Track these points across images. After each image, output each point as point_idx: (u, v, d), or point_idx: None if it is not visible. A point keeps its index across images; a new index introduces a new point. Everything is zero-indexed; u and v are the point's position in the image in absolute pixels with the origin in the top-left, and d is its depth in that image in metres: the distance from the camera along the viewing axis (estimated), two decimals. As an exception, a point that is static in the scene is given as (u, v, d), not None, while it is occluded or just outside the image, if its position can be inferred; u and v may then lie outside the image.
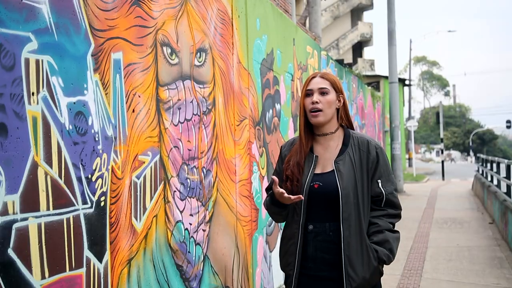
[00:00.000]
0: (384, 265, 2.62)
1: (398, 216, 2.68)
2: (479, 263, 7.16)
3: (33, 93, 2.06)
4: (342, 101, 2.67)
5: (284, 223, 2.73)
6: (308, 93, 2.62)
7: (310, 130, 2.67)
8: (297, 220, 2.59)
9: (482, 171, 16.03)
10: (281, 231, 5.27)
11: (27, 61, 2.03)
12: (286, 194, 2.48)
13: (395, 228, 2.67)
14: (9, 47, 1.95)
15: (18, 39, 1.99)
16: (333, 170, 2.57)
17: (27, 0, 2.04)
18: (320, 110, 2.57)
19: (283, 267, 2.69)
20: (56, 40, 2.19)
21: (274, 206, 2.63)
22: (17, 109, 1.98)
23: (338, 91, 2.65)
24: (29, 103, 2.04)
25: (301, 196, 2.48)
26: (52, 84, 2.16)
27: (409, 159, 32.85)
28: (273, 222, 5.04)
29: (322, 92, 2.60)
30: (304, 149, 2.63)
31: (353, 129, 2.73)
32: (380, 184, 2.60)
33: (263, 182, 4.80)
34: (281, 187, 2.60)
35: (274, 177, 2.58)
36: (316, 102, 2.57)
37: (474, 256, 7.59)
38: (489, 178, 13.72)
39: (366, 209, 2.58)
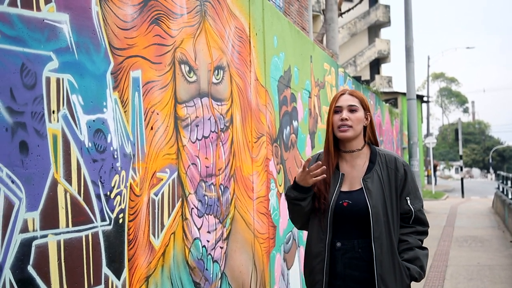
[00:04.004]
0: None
1: (426, 233, 2.68)
2: (501, 283, 7.04)
3: (53, 111, 2.08)
4: (369, 119, 2.67)
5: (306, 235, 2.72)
6: (337, 110, 2.62)
7: (336, 147, 2.67)
8: (323, 238, 2.57)
9: (503, 188, 15.83)
10: (298, 249, 5.24)
11: (48, 79, 2.06)
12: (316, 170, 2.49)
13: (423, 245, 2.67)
14: (31, 66, 1.98)
15: (40, 58, 2.03)
16: (362, 188, 2.57)
17: (49, 20, 2.07)
18: (349, 127, 2.58)
19: (310, 285, 2.66)
20: (77, 59, 2.22)
21: (296, 190, 2.60)
22: (38, 127, 2.00)
23: (366, 109, 2.65)
24: (50, 121, 2.06)
25: (324, 175, 2.50)
26: (72, 102, 2.19)
27: (428, 176, 32.56)
28: (291, 239, 5.02)
29: (351, 109, 2.60)
30: (332, 166, 2.62)
31: (378, 146, 2.73)
32: (408, 201, 2.60)
33: (281, 199, 4.78)
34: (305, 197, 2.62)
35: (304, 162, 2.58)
36: (346, 119, 2.58)
37: (496, 275, 7.46)
38: (510, 196, 13.53)
39: (396, 226, 2.58)
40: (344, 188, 2.60)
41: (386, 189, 2.56)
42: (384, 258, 2.49)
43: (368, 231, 2.52)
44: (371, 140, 2.70)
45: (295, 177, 2.63)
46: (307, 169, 2.51)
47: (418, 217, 2.62)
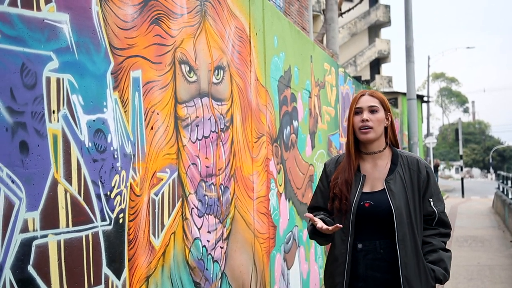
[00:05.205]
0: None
1: (449, 235, 2.68)
2: (501, 283, 7.04)
3: (53, 111, 2.09)
4: (390, 119, 2.66)
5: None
6: (357, 111, 2.61)
7: (358, 149, 2.65)
8: (345, 239, 2.56)
9: (503, 188, 15.84)
10: (299, 249, 5.24)
11: (48, 79, 2.06)
12: (324, 227, 2.48)
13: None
14: (31, 66, 1.98)
15: (40, 58, 2.03)
16: (384, 189, 2.55)
17: (49, 20, 2.07)
18: (370, 128, 2.57)
19: None
20: (77, 58, 2.22)
21: (317, 235, 2.62)
22: (38, 127, 2.00)
23: (387, 109, 2.64)
24: (50, 121, 2.06)
25: (338, 225, 2.47)
26: (73, 102, 2.19)
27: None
28: (291, 239, 5.02)
29: (372, 110, 2.59)
30: (353, 167, 2.61)
31: (398, 147, 2.72)
32: (432, 203, 2.59)
33: (281, 199, 4.78)
34: (327, 206, 2.66)
35: (309, 215, 2.59)
36: (367, 120, 2.56)
37: (496, 275, 7.46)
38: (510, 196, 13.53)
39: (420, 228, 2.57)
40: (366, 189, 2.59)
41: (409, 191, 2.55)
42: (408, 260, 2.48)
43: (389, 232, 2.51)
44: (391, 140, 2.69)
45: (312, 224, 2.58)
46: (327, 228, 2.49)
47: (441, 219, 2.62)
